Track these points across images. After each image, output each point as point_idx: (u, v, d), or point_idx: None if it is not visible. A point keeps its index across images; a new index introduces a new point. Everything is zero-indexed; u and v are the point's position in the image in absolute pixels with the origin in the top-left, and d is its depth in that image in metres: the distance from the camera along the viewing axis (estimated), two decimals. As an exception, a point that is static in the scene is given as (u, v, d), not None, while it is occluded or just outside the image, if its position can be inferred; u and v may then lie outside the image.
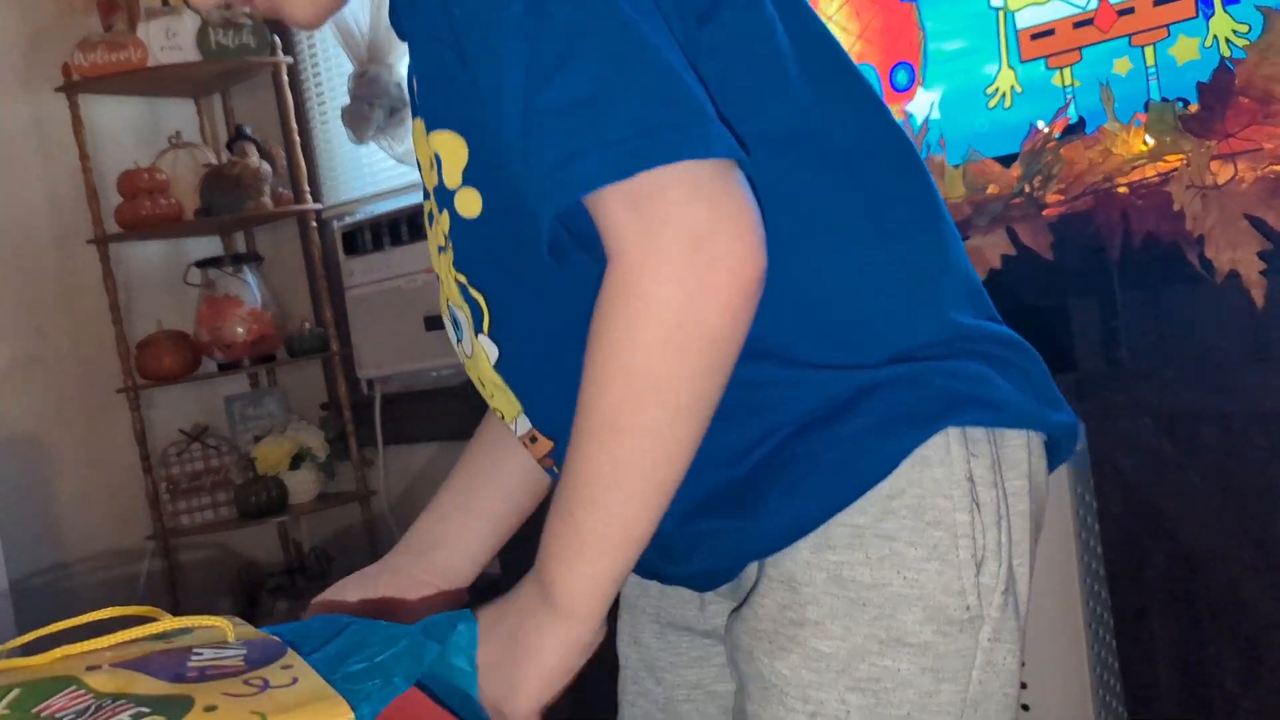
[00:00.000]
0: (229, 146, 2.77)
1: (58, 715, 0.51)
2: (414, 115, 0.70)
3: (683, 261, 0.55)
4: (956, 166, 1.51)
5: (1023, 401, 0.67)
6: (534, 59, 0.56)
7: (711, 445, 0.61)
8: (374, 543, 2.65)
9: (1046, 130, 1.48)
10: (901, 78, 1.72)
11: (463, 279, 0.68)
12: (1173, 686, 1.41)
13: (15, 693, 0.52)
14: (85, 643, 0.56)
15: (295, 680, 0.53)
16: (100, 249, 2.59)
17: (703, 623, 0.78)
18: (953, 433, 0.64)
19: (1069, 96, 1.58)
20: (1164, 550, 1.44)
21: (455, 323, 0.72)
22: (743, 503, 0.66)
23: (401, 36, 0.71)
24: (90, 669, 0.54)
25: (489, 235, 0.65)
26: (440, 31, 0.62)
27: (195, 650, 0.56)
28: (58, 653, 0.56)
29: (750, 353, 0.60)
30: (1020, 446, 0.68)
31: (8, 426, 2.50)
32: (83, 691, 0.53)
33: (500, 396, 0.72)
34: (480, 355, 0.70)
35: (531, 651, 0.62)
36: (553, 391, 0.66)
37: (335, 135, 2.76)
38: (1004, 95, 1.63)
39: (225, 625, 0.58)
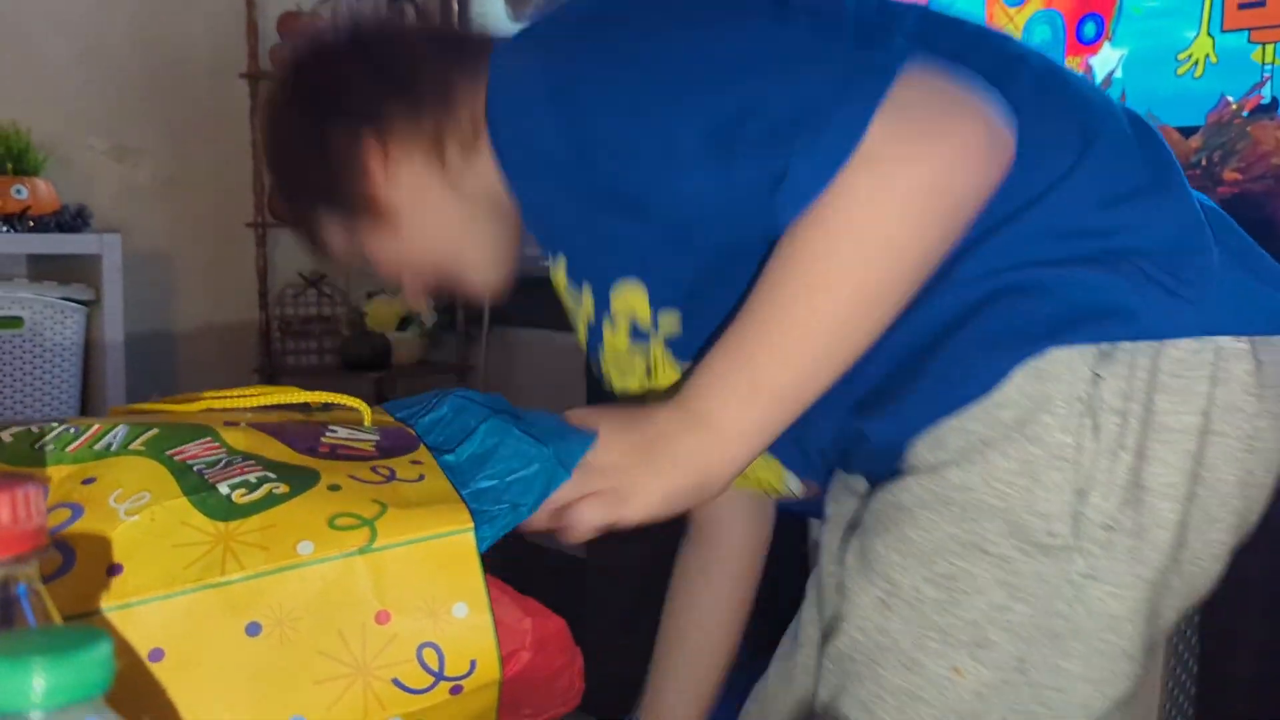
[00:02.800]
0: (388, 3, 2.78)
1: (189, 461, 0.53)
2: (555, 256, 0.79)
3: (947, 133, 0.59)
4: (1132, 128, 1.43)
5: (1186, 307, 0.62)
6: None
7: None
8: (463, 415, 2.70)
9: (1236, 105, 1.39)
10: (1089, 29, 1.63)
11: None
12: (1250, 685, 1.36)
13: (154, 431, 0.54)
14: (229, 399, 0.58)
15: (421, 477, 0.54)
16: (251, 84, 2.64)
17: None
18: (1085, 349, 0.62)
19: (1266, 75, 1.48)
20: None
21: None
22: (885, 403, 0.67)
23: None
24: (228, 425, 0.55)
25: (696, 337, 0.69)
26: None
27: (330, 428, 0.57)
28: (201, 403, 0.58)
29: None
30: (1199, 368, 0.62)
31: (142, 239, 2.59)
32: (216, 444, 0.54)
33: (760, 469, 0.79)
34: None
35: (671, 459, 0.61)
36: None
37: (492, 6, 2.75)
38: (1196, 63, 1.54)
39: (364, 408, 0.59)
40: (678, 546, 0.97)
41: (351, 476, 0.53)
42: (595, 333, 0.78)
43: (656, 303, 0.72)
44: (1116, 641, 0.64)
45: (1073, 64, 1.65)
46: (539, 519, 0.58)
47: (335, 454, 0.54)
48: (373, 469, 0.54)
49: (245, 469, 0.52)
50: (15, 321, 2.03)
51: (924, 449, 0.66)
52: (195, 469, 0.52)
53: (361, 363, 2.63)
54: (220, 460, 0.53)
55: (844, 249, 0.59)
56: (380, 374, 2.75)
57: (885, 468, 0.70)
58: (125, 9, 2.58)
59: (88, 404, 2.22)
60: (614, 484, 0.60)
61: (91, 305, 2.17)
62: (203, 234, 2.76)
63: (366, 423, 0.58)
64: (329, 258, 0.80)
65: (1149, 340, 0.62)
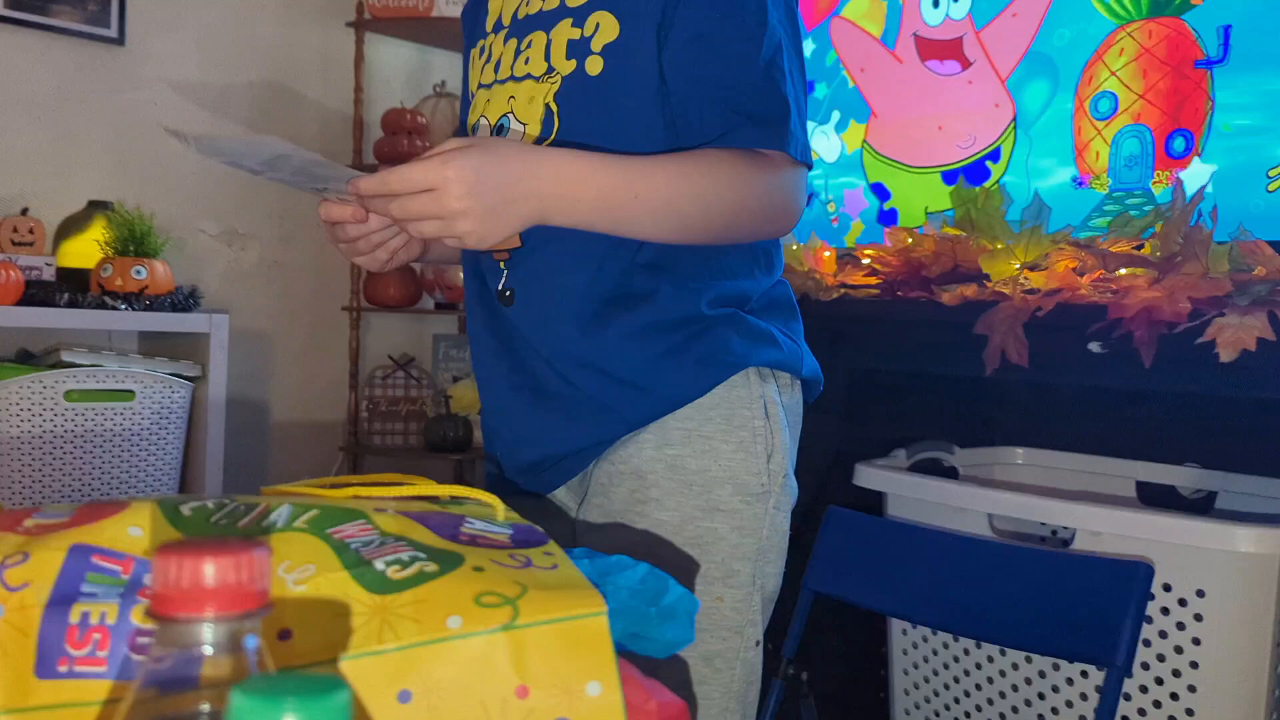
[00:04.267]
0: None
1: (347, 540, 0.57)
2: None
3: (790, 196, 0.94)
4: (1223, 243, 1.45)
5: (796, 351, 0.98)
6: (771, 41, 0.90)
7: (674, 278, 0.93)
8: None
9: (1329, 223, 1.41)
10: (1178, 144, 1.66)
11: (554, 106, 0.93)
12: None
13: (314, 512, 0.59)
14: (373, 489, 0.63)
15: (555, 566, 0.58)
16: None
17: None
18: (752, 368, 0.94)
19: (1359, 193, 1.50)
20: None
21: (501, 128, 0.97)
22: (630, 374, 0.93)
23: None
24: (377, 510, 0.60)
25: (595, 90, 0.92)
26: None
27: (468, 519, 0.61)
28: (350, 490, 0.63)
29: (708, 256, 0.94)
30: (788, 381, 0.98)
31: (246, 319, 2.71)
32: (369, 526, 0.59)
33: None
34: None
35: (508, 223, 0.84)
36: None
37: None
38: (1287, 180, 1.55)
39: (497, 504, 0.63)
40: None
41: (493, 560, 0.57)
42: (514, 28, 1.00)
43: (608, 48, 0.92)
44: (784, 545, 0.97)
45: (1161, 177, 1.68)
46: (390, 209, 0.83)
47: (475, 541, 0.59)
48: (510, 555, 0.58)
49: (397, 549, 0.57)
50: (128, 394, 2.14)
51: (649, 446, 0.93)
52: (353, 547, 0.56)
53: (444, 444, 2.70)
54: (374, 540, 0.57)
55: (714, 197, 0.88)
56: (461, 456, 2.81)
57: (589, 450, 0.96)
58: (244, 104, 2.75)
59: (188, 472, 2.31)
60: (463, 222, 0.82)
61: (197, 380, 2.27)
62: (301, 316, 2.88)
63: (500, 517, 0.62)
64: None
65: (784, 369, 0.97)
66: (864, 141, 2.10)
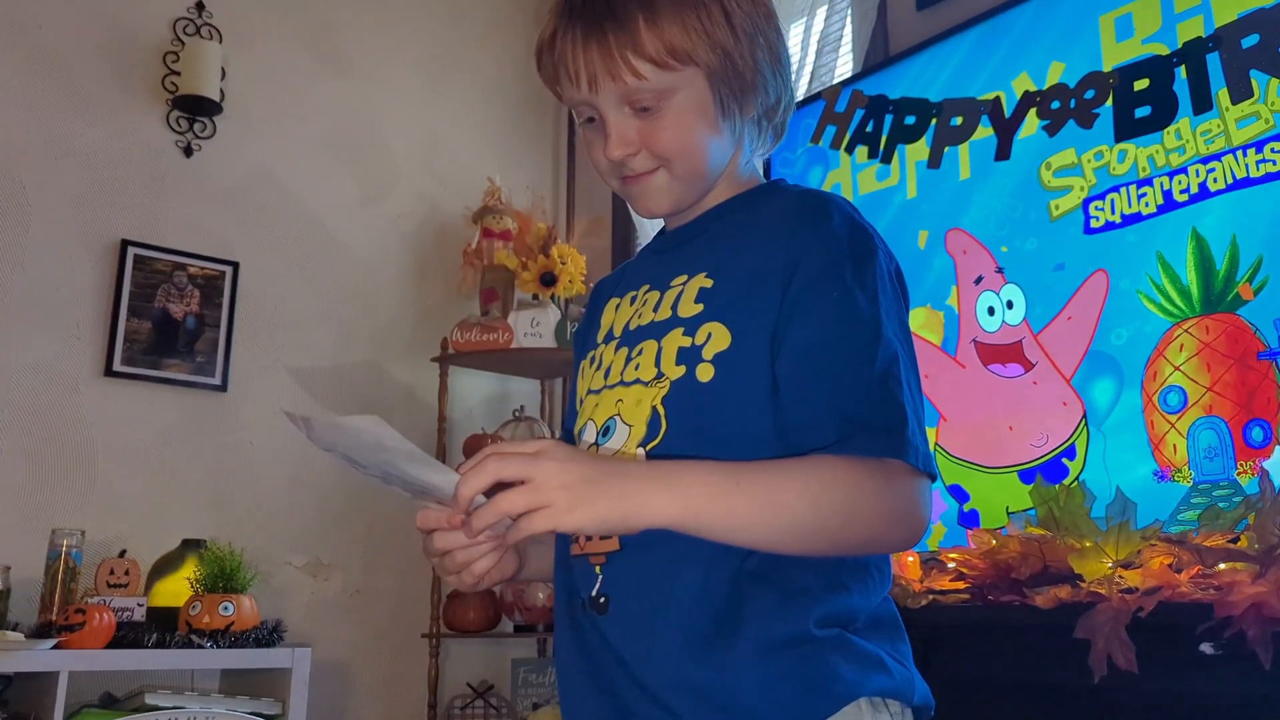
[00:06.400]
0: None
1: None
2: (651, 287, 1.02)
3: (910, 505, 0.88)
4: (1321, 532, 1.41)
5: (907, 676, 0.90)
6: (887, 353, 0.89)
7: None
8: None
9: None
10: (1256, 434, 1.65)
11: (662, 410, 0.93)
12: None
13: None
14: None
15: None
16: (437, 501, 2.85)
17: None
18: (864, 698, 0.86)
19: None
20: None
21: (608, 429, 0.96)
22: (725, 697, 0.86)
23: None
24: None
25: (704, 396, 0.91)
26: (774, 275, 0.92)
27: None
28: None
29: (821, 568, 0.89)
30: (899, 709, 0.90)
31: (327, 650, 2.70)
32: None
33: None
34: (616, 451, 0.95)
35: (620, 489, 0.80)
36: None
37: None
38: (1378, 464, 1.52)
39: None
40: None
41: None
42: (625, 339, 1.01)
43: (719, 358, 0.92)
44: None
45: (1245, 467, 1.65)
46: (486, 517, 0.78)
47: None
48: None
49: None
50: (208, 736, 2.11)
51: None
52: None
53: (527, 778, 2.57)
54: None
55: (825, 499, 0.83)
56: (545, 791, 2.67)
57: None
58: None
59: (262, 822, 2.22)
60: (561, 498, 0.78)
61: (277, 718, 2.24)
62: (381, 645, 2.86)
63: None
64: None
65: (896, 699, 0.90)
66: (936, 444, 2.12)
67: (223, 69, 2.84)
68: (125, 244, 2.64)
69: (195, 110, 2.79)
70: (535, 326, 2.91)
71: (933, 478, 0.89)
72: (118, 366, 2.58)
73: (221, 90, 2.83)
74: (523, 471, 0.79)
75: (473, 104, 3.35)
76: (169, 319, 2.67)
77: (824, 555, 0.87)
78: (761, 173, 1.08)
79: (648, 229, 2.94)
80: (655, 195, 0.99)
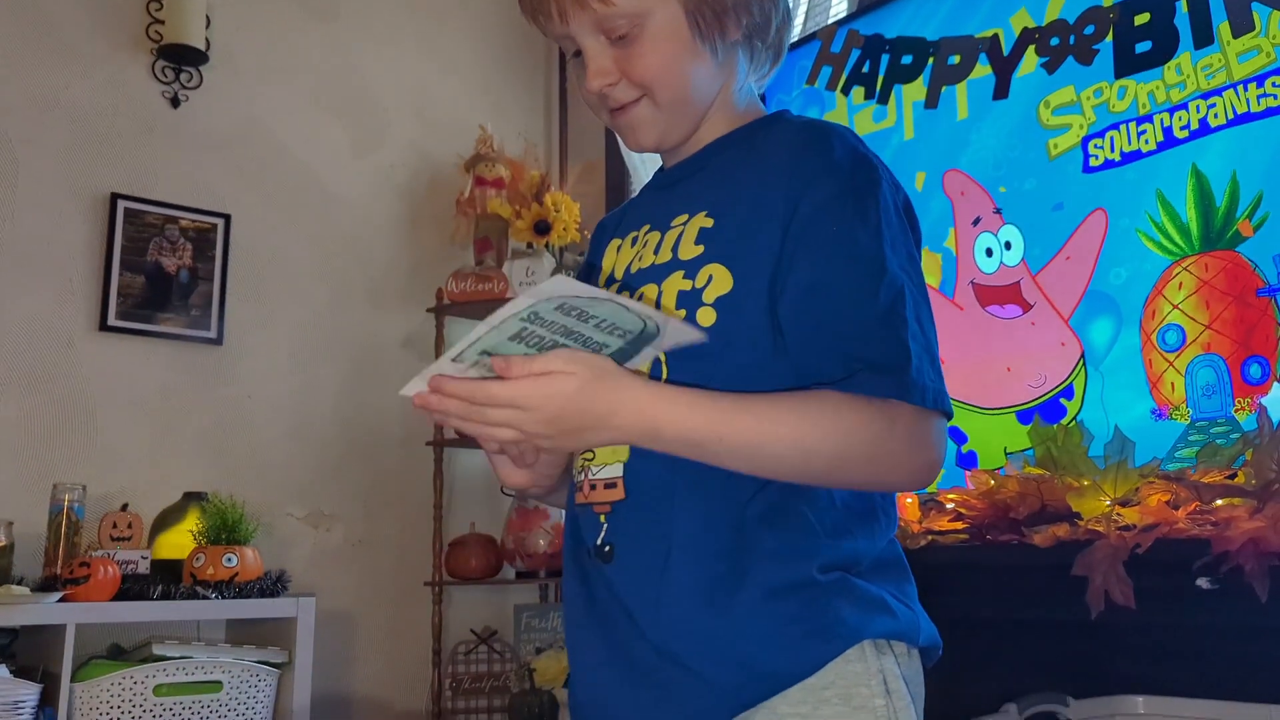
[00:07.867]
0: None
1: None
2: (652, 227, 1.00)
3: (910, 446, 0.86)
4: (1318, 468, 1.42)
5: (912, 617, 0.91)
6: (891, 289, 0.87)
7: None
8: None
9: None
10: (1254, 371, 1.66)
11: (662, 356, 0.90)
12: None
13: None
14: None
15: None
16: (436, 452, 2.87)
17: None
18: (868, 640, 0.87)
19: None
20: None
21: None
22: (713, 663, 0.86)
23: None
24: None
25: (705, 341, 0.89)
26: (775, 213, 0.90)
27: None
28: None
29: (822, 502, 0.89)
30: (905, 650, 0.90)
31: (331, 600, 2.73)
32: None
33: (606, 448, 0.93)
34: None
35: (584, 442, 0.85)
36: (663, 463, 0.88)
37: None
38: (1375, 400, 1.53)
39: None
40: None
41: None
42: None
43: (720, 301, 0.90)
44: None
45: (1243, 404, 1.66)
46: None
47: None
48: None
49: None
50: (215, 685, 2.13)
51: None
52: None
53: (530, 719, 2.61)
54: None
55: (820, 428, 0.83)
56: (549, 733, 2.72)
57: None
58: (330, 390, 2.89)
59: (272, 768, 2.25)
60: (541, 439, 0.83)
61: (283, 666, 2.26)
62: (384, 594, 2.89)
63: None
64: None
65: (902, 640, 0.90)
66: (933, 387, 2.13)
67: (207, 17, 2.79)
68: (115, 197, 2.61)
69: (181, 60, 2.75)
70: (530, 275, 2.90)
71: (946, 415, 0.87)
72: (112, 321, 2.57)
73: (207, 39, 2.78)
74: (520, 396, 0.82)
75: (463, 51, 3.31)
76: (162, 272, 2.65)
77: (821, 485, 0.88)
78: (760, 101, 1.04)
79: (643, 174, 2.91)
80: (642, 127, 0.97)
